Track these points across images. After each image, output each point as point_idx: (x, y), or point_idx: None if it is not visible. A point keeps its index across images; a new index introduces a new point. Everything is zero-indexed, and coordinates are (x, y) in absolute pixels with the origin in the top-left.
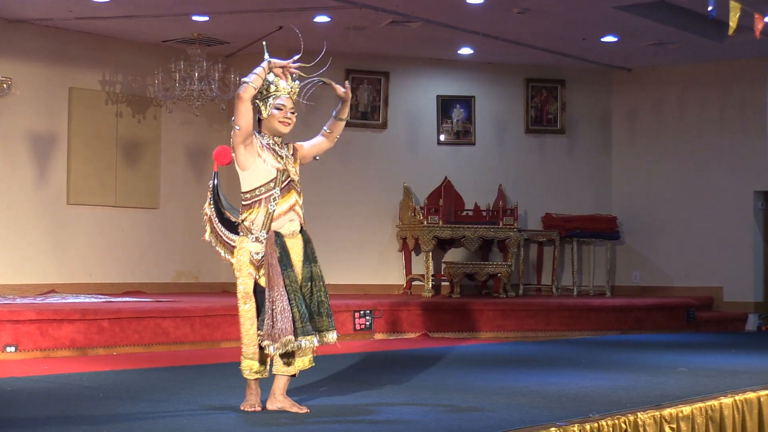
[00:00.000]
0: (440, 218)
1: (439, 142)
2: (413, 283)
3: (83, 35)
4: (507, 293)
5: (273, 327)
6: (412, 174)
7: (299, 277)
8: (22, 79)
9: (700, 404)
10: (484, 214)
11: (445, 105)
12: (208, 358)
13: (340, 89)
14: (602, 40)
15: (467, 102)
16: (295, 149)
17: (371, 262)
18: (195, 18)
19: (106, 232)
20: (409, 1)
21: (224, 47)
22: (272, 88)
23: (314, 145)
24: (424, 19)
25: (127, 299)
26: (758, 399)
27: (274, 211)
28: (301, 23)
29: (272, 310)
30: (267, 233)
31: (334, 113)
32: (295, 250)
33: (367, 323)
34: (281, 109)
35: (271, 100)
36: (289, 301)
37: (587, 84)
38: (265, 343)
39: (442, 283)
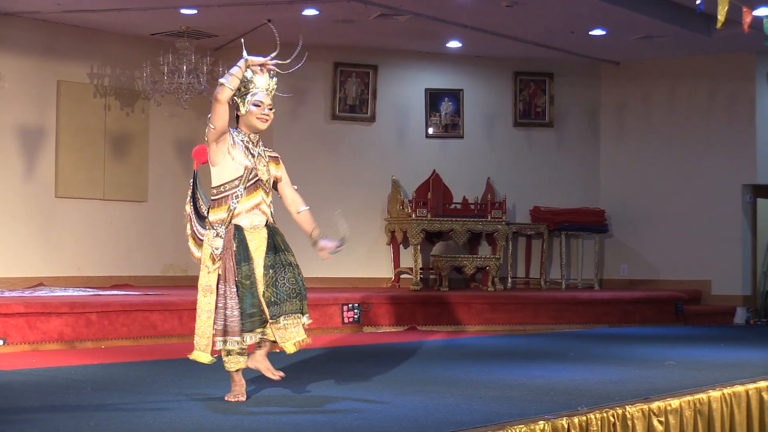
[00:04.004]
0: (428, 211)
1: (428, 136)
2: (401, 276)
3: (71, 28)
4: (495, 286)
5: (218, 323)
6: (401, 167)
7: (258, 268)
8: (10, 72)
9: (689, 397)
10: (473, 207)
11: (434, 98)
12: None
13: (332, 248)
14: (590, 33)
15: (455, 95)
16: (277, 158)
17: (359, 256)
18: (183, 11)
19: (94, 226)
20: None
21: (212, 40)
22: (250, 85)
23: (285, 192)
24: (412, 13)
25: (115, 292)
26: (746, 392)
27: (235, 208)
28: (290, 16)
29: (219, 306)
30: (226, 228)
31: (311, 237)
32: (256, 242)
33: (356, 316)
34: (259, 106)
35: (249, 97)
36: (238, 298)
37: (575, 77)
38: (216, 339)
39: (431, 277)
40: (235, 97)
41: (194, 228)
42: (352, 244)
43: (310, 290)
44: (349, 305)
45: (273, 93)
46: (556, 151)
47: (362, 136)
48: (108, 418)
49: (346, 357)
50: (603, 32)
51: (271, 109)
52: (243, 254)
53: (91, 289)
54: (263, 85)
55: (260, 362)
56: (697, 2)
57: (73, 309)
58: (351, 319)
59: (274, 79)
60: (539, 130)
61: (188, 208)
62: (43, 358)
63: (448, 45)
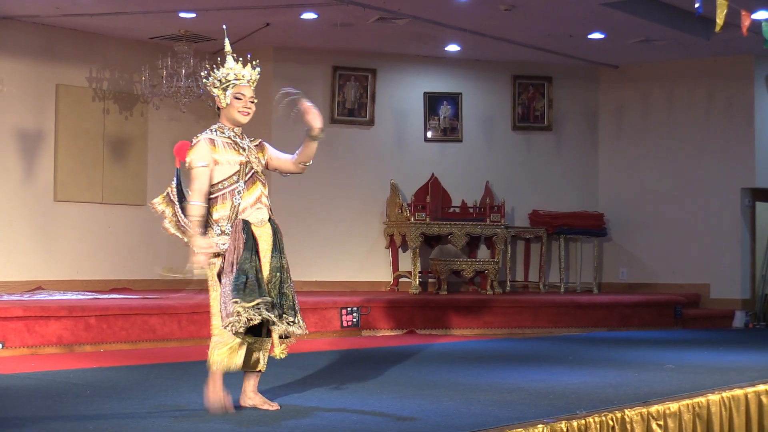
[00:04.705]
0: (427, 215)
1: (426, 139)
2: (400, 279)
3: (70, 32)
4: (494, 290)
5: (225, 308)
6: (399, 171)
7: (268, 266)
8: (9, 76)
9: (688, 401)
10: (471, 210)
11: (432, 102)
12: (194, 355)
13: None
14: (589, 36)
15: (454, 99)
16: (260, 144)
17: (358, 259)
18: (182, 15)
19: (93, 229)
20: None
21: (211, 44)
22: (231, 76)
23: (279, 158)
24: (411, 16)
25: (114, 296)
26: (745, 396)
27: (239, 204)
28: (288, 20)
29: (224, 291)
30: (233, 224)
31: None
32: (264, 238)
33: (354, 320)
34: (240, 99)
35: (230, 90)
36: (242, 276)
37: (574, 81)
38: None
39: (429, 280)
40: (216, 89)
41: (185, 225)
42: (351, 247)
43: (309, 293)
44: (348, 309)
45: (255, 84)
46: (554, 154)
47: (361, 139)
48: (106, 421)
49: (345, 361)
50: (602, 36)
51: (253, 102)
52: (252, 246)
53: (89, 293)
54: (246, 76)
55: (254, 398)
56: (696, 5)
57: (71, 313)
58: (350, 323)
59: (257, 69)
60: (538, 133)
61: (167, 211)
62: (42, 362)
63: (446, 49)
